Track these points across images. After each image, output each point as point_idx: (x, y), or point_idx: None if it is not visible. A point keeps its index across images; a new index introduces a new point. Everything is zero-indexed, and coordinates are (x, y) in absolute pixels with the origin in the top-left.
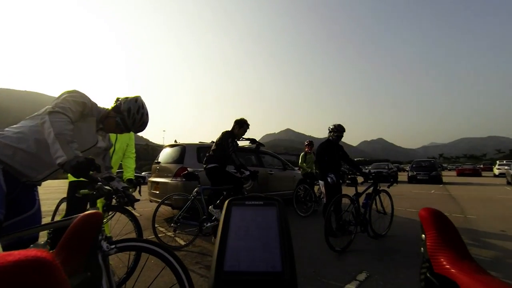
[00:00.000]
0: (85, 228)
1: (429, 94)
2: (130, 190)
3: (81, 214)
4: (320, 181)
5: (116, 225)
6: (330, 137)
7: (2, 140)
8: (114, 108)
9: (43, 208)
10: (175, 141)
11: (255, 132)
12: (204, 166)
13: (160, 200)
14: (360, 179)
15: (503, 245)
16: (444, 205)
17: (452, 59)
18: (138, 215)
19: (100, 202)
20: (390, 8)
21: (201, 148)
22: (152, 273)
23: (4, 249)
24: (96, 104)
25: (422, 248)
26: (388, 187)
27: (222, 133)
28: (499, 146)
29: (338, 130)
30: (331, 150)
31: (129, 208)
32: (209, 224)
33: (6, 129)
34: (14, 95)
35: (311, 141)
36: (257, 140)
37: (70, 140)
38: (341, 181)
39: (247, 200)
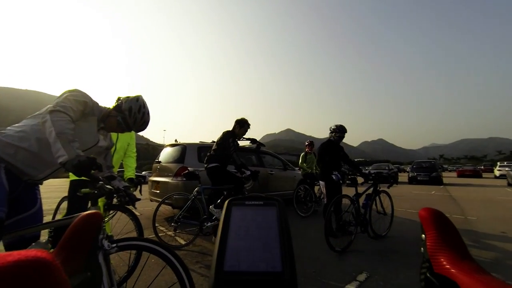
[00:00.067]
0: (85, 228)
1: (430, 94)
2: (131, 189)
3: (81, 214)
4: (320, 182)
5: (117, 224)
6: (332, 138)
7: (3, 139)
8: (115, 107)
9: (43, 207)
10: (176, 140)
11: (255, 132)
12: (205, 165)
13: (160, 200)
14: (360, 179)
15: (503, 247)
16: (444, 206)
17: (453, 59)
18: (139, 214)
19: (101, 201)
20: (391, 8)
21: (201, 148)
22: (153, 272)
23: (6, 248)
24: (97, 103)
25: (422, 248)
26: (388, 187)
27: (223, 132)
28: (500, 148)
29: (340, 131)
30: (332, 150)
31: (130, 207)
32: (209, 224)
33: (8, 128)
34: (14, 93)
35: (311, 141)
36: (258, 140)
37: (72, 139)
38: (341, 182)
39: (247, 200)
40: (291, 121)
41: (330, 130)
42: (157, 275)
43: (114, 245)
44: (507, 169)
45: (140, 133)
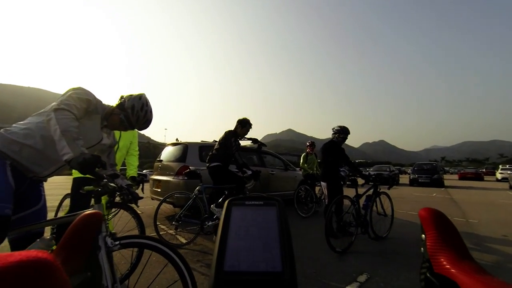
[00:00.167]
0: (85, 228)
1: (432, 96)
2: (134, 187)
3: (82, 214)
4: (322, 183)
5: (119, 222)
6: (335, 138)
7: (9, 136)
8: (118, 106)
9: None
10: (177, 139)
11: (256, 132)
12: (207, 164)
13: (161, 198)
14: (360, 181)
15: (504, 250)
16: (445, 209)
17: (456, 61)
18: (140, 212)
19: (103, 199)
20: (393, 8)
21: (203, 147)
22: (154, 270)
23: (11, 243)
24: (101, 101)
25: (422, 248)
26: (388, 189)
27: (225, 132)
28: (502, 150)
29: (343, 132)
30: (334, 151)
31: (132, 205)
32: (210, 223)
33: (13, 125)
34: (18, 91)
35: (312, 142)
36: (259, 140)
37: (76, 137)
38: (342, 183)
39: (247, 200)
40: (292, 121)
41: (333, 130)
42: (159, 273)
43: (117, 242)
44: (509, 172)
45: (141, 132)
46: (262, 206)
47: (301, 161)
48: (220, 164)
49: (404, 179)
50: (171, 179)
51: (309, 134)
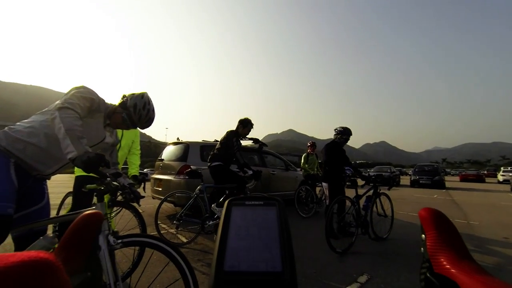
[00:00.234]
0: (85, 228)
1: (434, 97)
2: (135, 186)
3: (82, 214)
4: (323, 183)
5: (120, 221)
6: (337, 139)
7: (13, 134)
8: (120, 104)
9: None
10: (178, 138)
11: (257, 132)
12: (209, 164)
13: (162, 197)
14: (360, 181)
15: (505, 252)
16: (446, 210)
17: (457, 62)
18: (141, 211)
19: (105, 198)
20: (395, 9)
21: (204, 147)
22: (155, 269)
23: (15, 240)
24: (104, 100)
25: (422, 248)
26: (388, 189)
27: (227, 132)
28: (504, 152)
29: (346, 133)
30: (337, 152)
31: (134, 204)
32: (211, 222)
33: (17, 123)
34: (20, 89)
35: (313, 142)
36: (260, 140)
37: (80, 135)
38: (343, 183)
39: (247, 200)
40: (293, 122)
41: (336, 131)
42: (160, 272)
43: (119, 241)
44: (510, 174)
45: (142, 131)
46: (262, 206)
47: (302, 161)
48: (221, 164)
49: (405, 180)
50: (172, 178)
51: (310, 135)
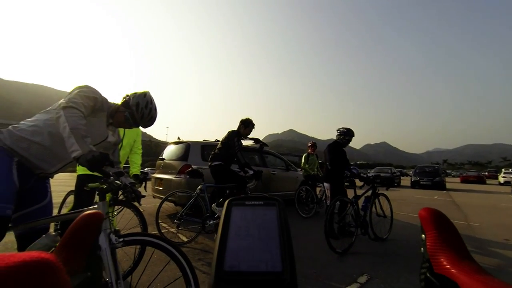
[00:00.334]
0: (86, 228)
1: (435, 98)
2: (136, 186)
3: (82, 214)
4: (325, 184)
5: (121, 220)
6: (339, 140)
7: (17, 133)
8: (123, 103)
9: None
10: (178, 138)
11: (258, 131)
12: (209, 163)
13: (163, 196)
14: (359, 182)
15: (506, 254)
16: (447, 211)
17: (459, 64)
18: (142, 210)
19: (107, 196)
20: (396, 9)
21: (205, 146)
22: (156, 268)
23: (18, 238)
24: (106, 99)
25: (422, 248)
26: (387, 189)
27: (228, 132)
28: (505, 154)
29: (348, 134)
30: (338, 152)
31: (135, 203)
32: (212, 222)
33: (21, 122)
34: (22, 88)
35: (314, 143)
36: (261, 140)
37: (85, 134)
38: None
39: (247, 200)
40: (294, 122)
41: (338, 132)
42: (161, 270)
43: (121, 239)
44: (511, 176)
45: (143, 130)
46: (262, 206)
47: (302, 161)
48: (222, 163)
49: (405, 181)
50: (173, 178)
51: (310, 135)
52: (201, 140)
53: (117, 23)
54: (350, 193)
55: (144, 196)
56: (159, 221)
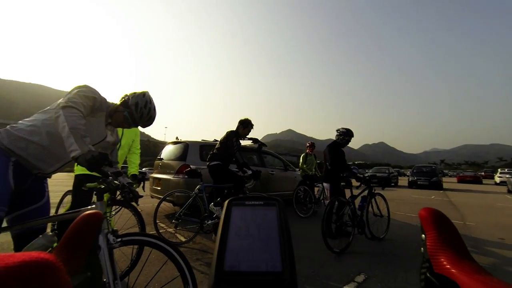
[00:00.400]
0: (85, 228)
1: (432, 99)
2: (134, 186)
3: (82, 214)
4: (325, 184)
5: (119, 220)
6: (339, 140)
7: (15, 132)
8: (122, 103)
9: None
10: (177, 138)
11: (256, 131)
12: (208, 163)
13: (161, 196)
14: (356, 183)
15: (501, 253)
16: (443, 211)
17: (457, 64)
18: (140, 210)
19: (105, 196)
20: (396, 9)
21: (204, 146)
22: (154, 268)
23: (14, 239)
24: (105, 99)
25: (422, 248)
26: (382, 189)
27: (227, 132)
28: (501, 154)
29: (348, 135)
30: (338, 152)
31: (133, 203)
32: (210, 222)
33: (20, 122)
34: (19, 87)
35: (312, 143)
36: (259, 140)
37: (84, 134)
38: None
39: (247, 200)
40: (293, 122)
41: (338, 132)
42: (158, 270)
43: (119, 239)
44: (507, 176)
45: (141, 130)
46: (262, 206)
47: (300, 161)
48: (220, 163)
49: (403, 181)
50: (172, 178)
51: (309, 135)
52: (199, 140)
53: (117, 23)
54: (348, 193)
55: (141, 196)
56: (157, 221)
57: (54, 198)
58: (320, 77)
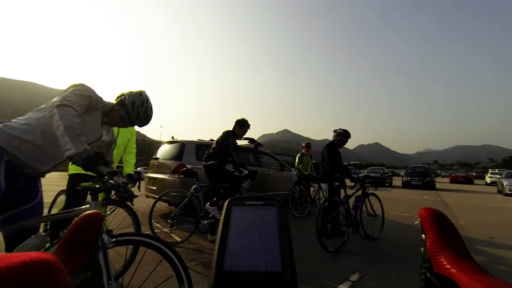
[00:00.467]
0: (86, 228)
1: (426, 100)
2: (129, 185)
3: (82, 214)
4: (322, 184)
5: (114, 219)
6: (336, 141)
7: (8, 131)
8: (118, 102)
9: None
10: (172, 137)
11: (252, 131)
12: (204, 163)
13: (156, 196)
14: (349, 183)
15: (491, 251)
16: None
17: (452, 67)
18: (135, 210)
19: (99, 196)
20: (392, 9)
21: (200, 146)
22: (148, 268)
23: (6, 239)
24: (101, 98)
25: (422, 248)
26: (375, 188)
27: (224, 132)
28: (493, 155)
29: (345, 136)
30: (335, 153)
31: (127, 203)
32: (205, 222)
33: (13, 120)
34: (12, 85)
35: (308, 143)
36: (255, 139)
37: (79, 133)
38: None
39: (247, 200)
40: (289, 122)
41: (336, 133)
42: (153, 270)
43: (113, 239)
44: (498, 176)
45: (136, 129)
46: (262, 206)
47: (296, 161)
48: (216, 163)
49: (397, 181)
50: (167, 177)
51: (305, 135)
52: (195, 139)
53: (111, 20)
54: (343, 193)
55: (137, 196)
56: (152, 221)
57: (47, 198)
58: (316, 78)
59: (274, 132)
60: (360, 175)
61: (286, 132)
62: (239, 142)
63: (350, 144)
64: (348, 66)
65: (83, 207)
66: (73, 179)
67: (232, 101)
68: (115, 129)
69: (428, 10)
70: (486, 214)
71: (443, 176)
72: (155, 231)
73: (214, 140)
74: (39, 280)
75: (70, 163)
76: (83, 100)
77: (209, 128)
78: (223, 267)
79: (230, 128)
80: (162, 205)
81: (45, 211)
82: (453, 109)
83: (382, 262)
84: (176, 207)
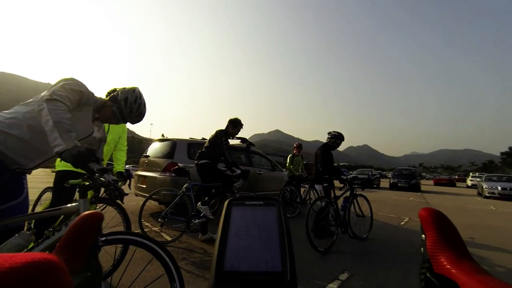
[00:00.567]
0: (85, 228)
1: (414, 104)
2: (120, 183)
3: (82, 214)
4: (316, 186)
5: (104, 218)
6: (330, 143)
7: None
8: (111, 98)
9: None
10: (162, 135)
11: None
12: (196, 162)
13: (146, 195)
14: (338, 184)
15: (472, 252)
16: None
17: (439, 74)
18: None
19: (88, 194)
20: (384, 12)
21: (191, 144)
22: (138, 268)
23: None
24: (93, 93)
25: (422, 248)
26: (362, 189)
27: (216, 131)
28: (474, 159)
29: (339, 138)
30: (329, 154)
31: (117, 201)
32: (197, 221)
33: None
34: None
35: (300, 144)
36: (247, 139)
37: (69, 129)
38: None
39: (247, 200)
40: (280, 122)
41: (330, 135)
42: (142, 269)
43: (103, 238)
44: (478, 179)
45: (127, 126)
46: (262, 206)
47: (288, 162)
48: (209, 162)
49: (384, 183)
50: (158, 176)
51: (296, 136)
52: (187, 138)
53: (100, 13)
54: (332, 194)
55: (127, 194)
56: (142, 220)
57: (31, 195)
58: (308, 79)
59: (265, 132)
60: (348, 177)
61: (277, 132)
62: (231, 142)
63: (340, 146)
64: (339, 68)
65: (71, 205)
66: (61, 176)
67: (223, 101)
68: (106, 125)
69: (421, 14)
70: (467, 215)
71: (427, 179)
72: (145, 230)
73: (206, 139)
74: (42, 280)
75: (58, 159)
76: (74, 95)
77: (200, 127)
78: (223, 267)
79: (222, 127)
80: (152, 204)
81: (29, 209)
82: (439, 114)
83: (370, 261)
84: (166, 206)
